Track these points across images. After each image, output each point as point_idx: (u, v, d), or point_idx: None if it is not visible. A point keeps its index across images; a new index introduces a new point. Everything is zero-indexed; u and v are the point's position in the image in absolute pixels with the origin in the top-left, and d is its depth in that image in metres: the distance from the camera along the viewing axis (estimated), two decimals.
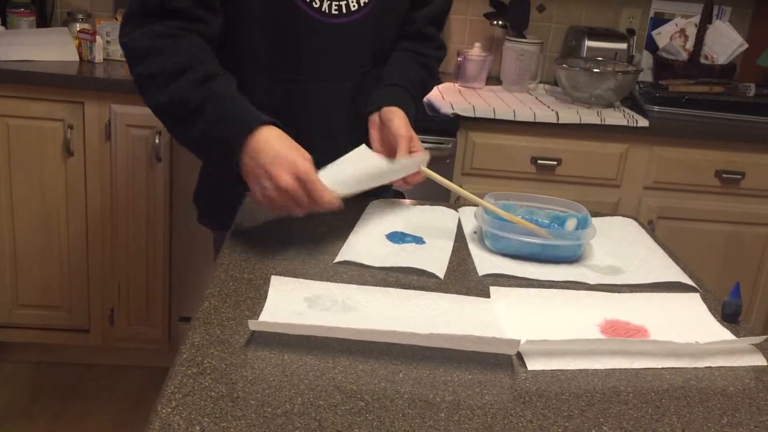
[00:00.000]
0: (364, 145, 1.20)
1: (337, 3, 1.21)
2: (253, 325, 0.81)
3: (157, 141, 2.14)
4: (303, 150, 1.03)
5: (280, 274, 0.96)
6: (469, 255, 1.09)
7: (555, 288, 1.00)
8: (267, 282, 0.93)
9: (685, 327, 0.91)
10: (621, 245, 1.17)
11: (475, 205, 1.16)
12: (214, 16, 1.16)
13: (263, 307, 0.87)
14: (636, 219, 1.30)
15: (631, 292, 1.00)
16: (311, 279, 0.95)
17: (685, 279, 1.05)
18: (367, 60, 1.31)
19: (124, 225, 2.24)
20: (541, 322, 0.90)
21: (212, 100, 1.07)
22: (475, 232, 1.18)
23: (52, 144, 2.15)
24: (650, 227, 2.27)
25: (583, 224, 1.15)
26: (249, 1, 1.18)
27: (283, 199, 1.00)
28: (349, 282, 0.96)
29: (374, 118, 1.26)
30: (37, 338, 2.35)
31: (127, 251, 2.26)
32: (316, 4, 1.20)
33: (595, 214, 1.24)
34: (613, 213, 2.24)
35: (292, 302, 0.89)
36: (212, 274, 0.96)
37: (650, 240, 1.20)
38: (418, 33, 1.39)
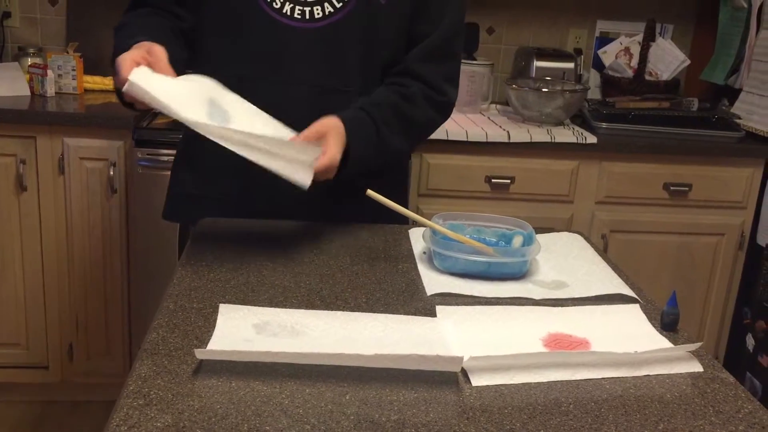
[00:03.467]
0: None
1: (300, 8, 1.24)
2: (199, 353, 0.82)
3: (111, 173, 2.14)
4: (147, 44, 1.09)
5: (230, 302, 0.97)
6: (418, 275, 1.11)
7: (501, 305, 1.02)
8: (216, 310, 0.94)
9: (625, 337, 0.94)
10: (566, 260, 1.20)
11: (424, 226, 1.18)
12: (187, 13, 1.30)
13: (212, 335, 0.88)
14: (582, 234, 1.34)
15: (575, 305, 1.03)
16: (260, 305, 0.96)
17: (626, 290, 1.08)
18: (325, 75, 1.28)
19: (80, 258, 2.22)
20: (486, 338, 0.92)
21: (124, 29, 1.21)
22: (424, 253, 1.20)
23: (5, 179, 2.13)
24: (604, 241, 2.33)
25: (528, 241, 1.18)
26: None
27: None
28: (298, 307, 0.97)
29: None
30: None
31: (84, 284, 2.24)
32: (276, 4, 1.23)
33: (541, 231, 1.28)
34: (567, 228, 2.30)
35: (240, 329, 0.90)
36: (160, 305, 0.96)
37: (594, 254, 1.24)
38: (403, 70, 1.31)
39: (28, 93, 2.28)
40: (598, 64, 2.74)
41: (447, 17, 1.31)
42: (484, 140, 2.20)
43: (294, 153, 1.08)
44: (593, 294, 1.07)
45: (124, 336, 2.30)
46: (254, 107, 1.17)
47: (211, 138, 1.01)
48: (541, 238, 1.22)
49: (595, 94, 2.71)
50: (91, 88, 2.43)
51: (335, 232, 1.26)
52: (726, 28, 2.56)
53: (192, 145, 1.36)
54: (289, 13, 1.24)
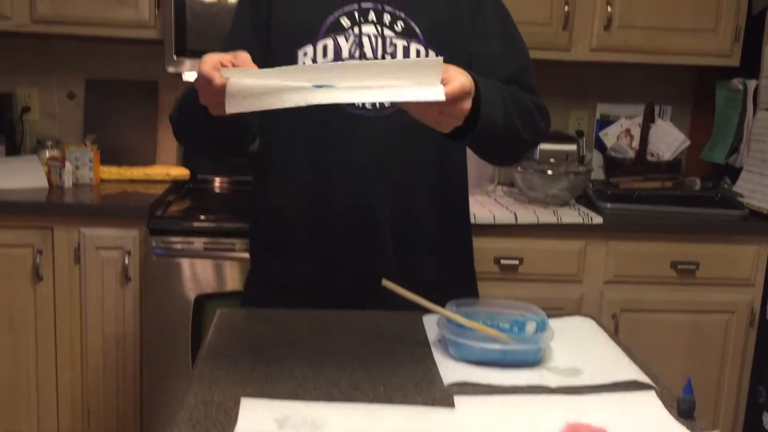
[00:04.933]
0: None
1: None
2: None
3: (126, 261, 2.17)
4: (232, 51, 1.06)
5: (251, 394, 0.98)
6: (434, 364, 1.13)
7: (518, 393, 1.03)
8: (237, 404, 0.95)
9: (643, 426, 0.94)
10: (579, 345, 1.21)
11: (439, 314, 1.20)
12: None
13: (234, 431, 0.89)
14: (594, 317, 1.35)
15: (591, 393, 1.04)
16: (280, 397, 0.98)
17: (641, 377, 1.09)
18: (400, 158, 1.34)
19: (93, 348, 2.23)
20: (506, 429, 0.93)
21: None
22: (439, 340, 1.22)
23: (21, 270, 2.17)
24: (614, 321, 2.33)
25: (541, 327, 1.19)
26: None
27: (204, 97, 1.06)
28: (317, 398, 0.98)
29: None
30: None
31: (96, 374, 2.24)
32: None
33: (553, 315, 1.29)
34: (577, 308, 2.32)
35: (262, 424, 0.91)
36: (182, 399, 0.98)
37: (607, 338, 1.25)
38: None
39: (46, 185, 2.34)
40: (600, 146, 2.80)
41: (519, 55, 1.38)
42: (492, 222, 2.24)
43: (415, 75, 0.94)
44: (608, 381, 1.08)
45: (135, 427, 2.28)
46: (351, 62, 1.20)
47: (327, 101, 0.93)
48: (554, 323, 1.23)
49: (598, 174, 2.77)
50: (107, 178, 2.49)
51: (352, 319, 1.28)
52: (723, 109, 2.64)
53: (276, 234, 1.40)
54: (361, 105, 1.31)
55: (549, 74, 2.77)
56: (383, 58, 1.30)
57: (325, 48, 1.31)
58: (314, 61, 1.31)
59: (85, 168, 2.39)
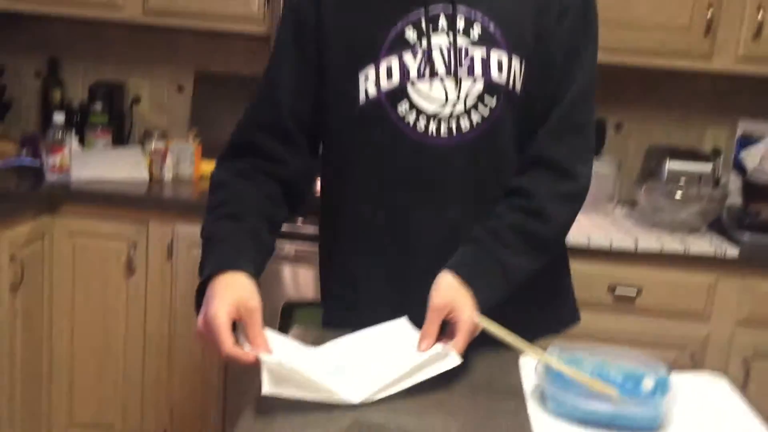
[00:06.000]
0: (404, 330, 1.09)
1: (446, 125, 1.13)
2: None
3: None
4: (246, 301, 0.98)
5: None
6: (527, 419, 0.96)
7: None
8: None
9: None
10: (706, 413, 1.01)
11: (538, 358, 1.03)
12: (298, 159, 1.19)
13: None
14: (727, 378, 1.13)
15: None
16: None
17: None
18: (482, 188, 1.17)
19: (181, 345, 2.19)
20: None
21: (212, 237, 1.10)
22: (536, 390, 1.04)
23: (116, 262, 2.16)
24: (745, 366, 2.05)
25: (662, 385, 1.00)
26: (353, 132, 1.17)
27: (201, 338, 1.00)
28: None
29: None
30: None
31: (182, 372, 2.20)
32: (420, 128, 1.13)
33: (675, 369, 1.08)
34: (701, 350, 2.06)
35: None
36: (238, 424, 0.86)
37: (744, 408, 1.03)
38: (533, 159, 1.16)
39: (147, 177, 2.32)
40: (740, 168, 2.50)
41: (576, 79, 1.15)
42: (608, 247, 2.02)
43: (432, 359, 1.00)
44: None
45: (218, 425, 2.22)
46: (364, 340, 1.09)
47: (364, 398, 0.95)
48: (676, 380, 1.02)
49: (735, 200, 2.46)
50: (207, 173, 2.44)
51: None
52: None
53: (347, 264, 1.25)
54: (434, 134, 1.14)
55: (684, 85, 2.51)
56: (456, 73, 1.12)
57: (389, 69, 1.13)
58: (377, 84, 1.13)
59: (185, 162, 2.36)
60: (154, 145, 2.41)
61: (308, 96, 1.18)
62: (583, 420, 0.95)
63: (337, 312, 1.26)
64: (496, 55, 1.12)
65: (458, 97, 1.13)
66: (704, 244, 2.04)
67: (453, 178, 1.16)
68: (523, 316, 1.07)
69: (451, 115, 1.13)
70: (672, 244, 2.03)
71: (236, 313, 0.97)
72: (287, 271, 2.10)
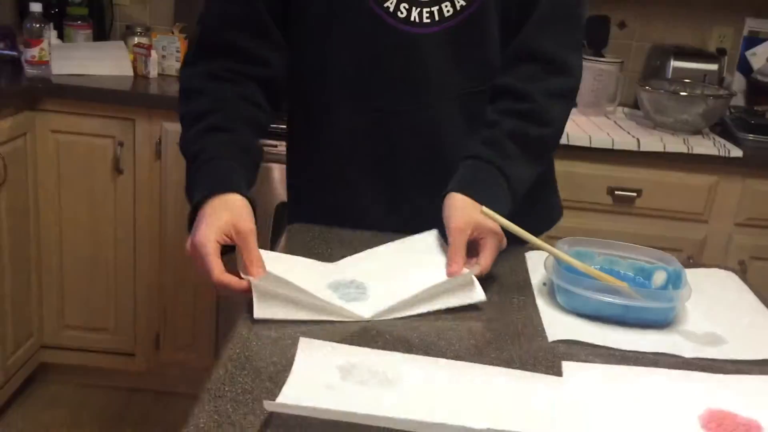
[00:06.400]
0: (429, 239, 1.03)
1: (428, 10, 1.05)
2: (269, 406, 0.67)
3: None
4: (238, 224, 0.91)
5: (310, 334, 0.81)
6: (537, 313, 0.93)
7: (642, 360, 0.82)
8: (295, 343, 0.79)
9: None
10: (719, 306, 0.98)
11: (547, 252, 0.99)
12: (276, 55, 1.09)
13: (288, 376, 0.73)
14: (737, 272, 1.11)
15: (738, 371, 0.82)
16: (345, 340, 0.81)
17: None
18: (469, 77, 1.10)
19: (172, 246, 2.15)
20: (628, 411, 0.72)
21: (200, 154, 1.00)
22: (544, 284, 1.01)
23: (102, 161, 2.08)
24: (742, 268, 2.05)
25: (674, 280, 0.97)
26: (325, 21, 1.07)
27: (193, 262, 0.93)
28: (392, 348, 0.81)
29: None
30: (82, 360, 2.27)
31: (174, 274, 2.17)
32: (402, 13, 1.05)
33: (686, 266, 1.06)
34: (698, 252, 2.05)
35: (322, 371, 0.74)
36: (233, 330, 0.82)
37: (756, 300, 1.01)
38: (520, 52, 1.09)
39: (131, 73, 2.22)
40: (745, 67, 2.43)
41: None
42: (610, 147, 1.97)
43: (453, 286, 0.93)
44: (759, 357, 0.85)
45: (211, 329, 2.22)
46: (375, 255, 1.02)
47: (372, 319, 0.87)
48: (686, 274, 1.00)
49: (739, 100, 2.41)
50: None
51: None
52: None
53: (327, 167, 1.18)
54: (417, 19, 1.05)
55: None
56: None
57: None
58: None
59: (171, 58, 2.25)
60: (138, 39, 2.30)
61: None
62: (594, 313, 0.92)
63: (317, 212, 1.18)
64: None
65: None
66: (708, 145, 1.99)
67: (437, 68, 1.08)
68: (518, 219, 1.03)
69: (432, 0, 1.05)
70: (675, 144, 1.98)
71: (226, 237, 0.90)
72: (277, 172, 2.04)
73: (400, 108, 1.10)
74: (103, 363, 2.28)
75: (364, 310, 0.87)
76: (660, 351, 0.85)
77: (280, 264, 0.93)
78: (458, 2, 1.06)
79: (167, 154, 2.07)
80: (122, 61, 2.22)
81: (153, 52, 2.21)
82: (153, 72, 2.21)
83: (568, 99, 1.13)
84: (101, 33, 2.43)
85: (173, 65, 2.25)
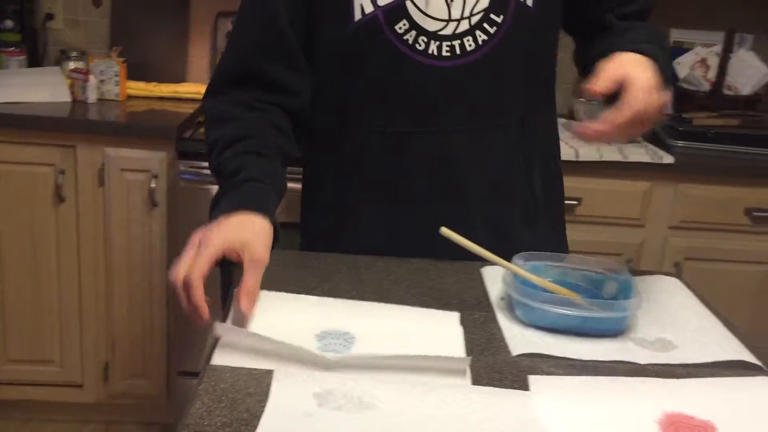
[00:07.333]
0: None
1: (448, 43, 1.06)
2: None
3: (152, 185, 2.02)
4: (253, 248, 0.88)
5: (286, 362, 0.82)
6: (499, 328, 0.96)
7: (600, 369, 0.86)
8: (270, 373, 0.80)
9: (758, 422, 0.78)
10: (667, 312, 1.04)
11: (503, 267, 1.03)
12: (304, 85, 1.10)
13: (265, 407, 0.74)
14: (681, 279, 1.17)
15: (688, 373, 0.87)
16: (319, 369, 0.82)
17: (749, 356, 0.91)
18: (485, 112, 1.12)
19: (118, 274, 2.12)
20: (591, 419, 0.76)
21: (239, 173, 0.99)
22: (502, 299, 1.05)
23: (43, 190, 2.04)
24: (677, 269, 2.14)
25: (624, 289, 1.02)
26: (346, 51, 1.09)
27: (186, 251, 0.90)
28: (365, 371, 0.83)
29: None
30: (28, 395, 2.21)
31: (122, 302, 2.14)
32: (420, 45, 1.06)
33: (633, 274, 1.11)
34: (637, 255, 2.13)
35: (298, 400, 0.76)
36: (205, 365, 0.83)
37: (700, 305, 1.07)
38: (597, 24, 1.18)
39: (69, 99, 2.18)
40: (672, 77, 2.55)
41: None
42: None
43: (443, 365, 0.86)
44: (709, 360, 0.90)
45: (161, 356, 2.19)
46: (368, 306, 0.98)
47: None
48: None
49: (668, 109, 2.52)
50: (134, 94, 2.33)
51: (401, 270, 1.11)
52: None
53: (338, 192, 1.17)
54: (435, 52, 1.07)
55: None
56: None
57: None
58: (373, 1, 1.05)
59: (110, 83, 2.22)
60: (74, 64, 2.26)
61: (303, 15, 1.08)
62: (552, 326, 0.96)
63: (324, 241, 1.18)
64: None
65: (461, 14, 1.06)
66: (641, 153, 2.08)
67: (455, 102, 1.09)
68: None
69: (453, 34, 1.06)
70: (610, 153, 2.06)
71: (233, 253, 0.88)
72: None
73: (416, 133, 1.11)
74: (49, 396, 2.22)
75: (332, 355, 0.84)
76: (616, 359, 0.89)
77: (273, 302, 0.92)
78: (480, 37, 1.07)
79: (110, 180, 2.04)
80: (59, 87, 2.18)
81: (91, 77, 2.17)
82: (92, 97, 2.18)
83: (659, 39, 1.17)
84: (34, 58, 2.38)
85: (112, 89, 2.22)
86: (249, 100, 1.07)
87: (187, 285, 0.86)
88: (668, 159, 2.07)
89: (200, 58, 2.55)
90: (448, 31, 1.06)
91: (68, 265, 2.10)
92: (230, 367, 0.82)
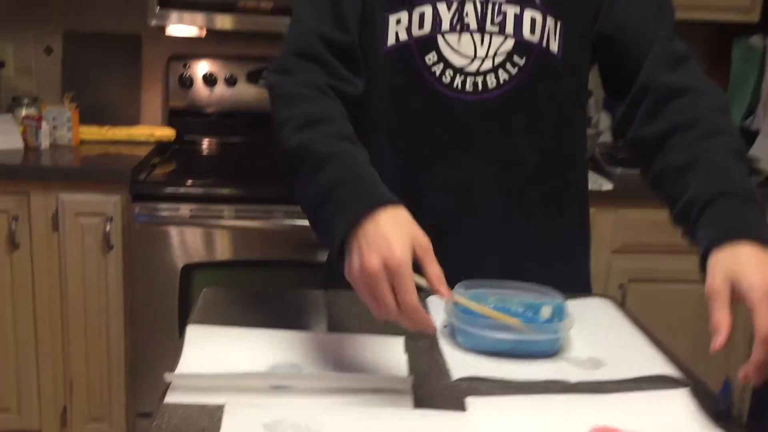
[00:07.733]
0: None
1: (472, 79, 1.13)
2: None
3: (107, 228, 2.05)
4: (419, 237, 0.86)
5: (237, 395, 0.87)
6: (441, 354, 1.02)
7: (534, 388, 0.92)
8: (221, 407, 0.84)
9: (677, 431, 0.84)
10: (598, 332, 1.11)
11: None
12: (358, 79, 1.13)
13: None
14: (612, 299, 1.24)
15: (616, 389, 0.93)
16: (270, 398, 0.87)
17: (671, 371, 0.98)
18: (504, 148, 1.16)
19: (75, 318, 2.12)
20: None
21: (341, 157, 0.96)
22: (445, 326, 1.10)
23: None
24: (621, 291, 2.23)
25: (558, 312, 1.08)
26: (376, 72, 1.14)
27: (365, 284, 0.84)
28: (311, 393, 0.87)
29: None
30: None
31: (79, 345, 2.14)
32: (446, 79, 1.13)
33: (567, 297, 1.18)
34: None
35: (249, 431, 0.80)
36: (159, 403, 0.86)
37: (629, 324, 1.14)
38: (658, 96, 1.10)
39: (22, 146, 2.20)
40: (609, 106, 2.66)
41: (665, 15, 1.15)
42: None
43: (386, 387, 0.92)
44: (635, 375, 0.97)
45: (120, 399, 2.19)
46: (315, 336, 1.02)
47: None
48: (569, 305, 1.12)
49: (606, 137, 2.64)
50: (87, 139, 2.35)
51: (348, 300, 1.16)
52: (740, 69, 2.50)
53: None
54: (459, 86, 1.14)
55: None
56: (487, 29, 1.11)
57: (422, 17, 1.12)
58: (408, 30, 1.12)
59: (63, 128, 2.25)
60: (26, 111, 2.28)
61: (356, 22, 1.13)
62: (490, 349, 1.02)
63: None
64: (530, 14, 1.12)
65: (487, 53, 1.12)
66: None
67: (474, 135, 1.15)
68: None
69: (477, 71, 1.13)
70: None
71: (414, 254, 0.84)
72: (186, 234, 2.06)
73: (432, 161, 1.16)
74: None
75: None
76: (550, 378, 0.95)
77: (223, 339, 0.97)
78: (501, 77, 1.13)
79: (64, 225, 2.05)
80: (11, 135, 2.20)
81: (44, 123, 2.20)
82: (44, 143, 2.20)
83: (726, 111, 1.12)
84: None
85: (65, 135, 2.25)
86: (319, 82, 1.07)
87: (409, 313, 0.84)
88: (608, 186, 2.16)
89: (153, 100, 2.59)
90: (473, 68, 1.13)
91: (24, 311, 2.10)
92: (182, 404, 0.85)
